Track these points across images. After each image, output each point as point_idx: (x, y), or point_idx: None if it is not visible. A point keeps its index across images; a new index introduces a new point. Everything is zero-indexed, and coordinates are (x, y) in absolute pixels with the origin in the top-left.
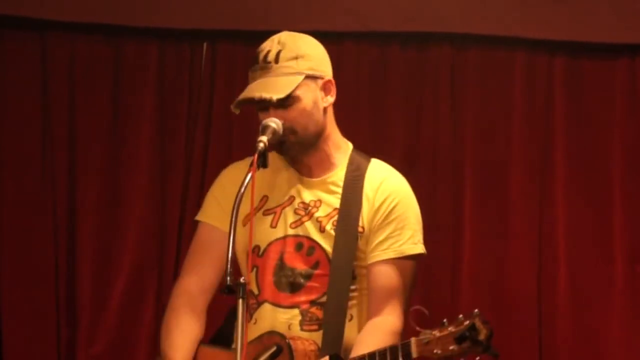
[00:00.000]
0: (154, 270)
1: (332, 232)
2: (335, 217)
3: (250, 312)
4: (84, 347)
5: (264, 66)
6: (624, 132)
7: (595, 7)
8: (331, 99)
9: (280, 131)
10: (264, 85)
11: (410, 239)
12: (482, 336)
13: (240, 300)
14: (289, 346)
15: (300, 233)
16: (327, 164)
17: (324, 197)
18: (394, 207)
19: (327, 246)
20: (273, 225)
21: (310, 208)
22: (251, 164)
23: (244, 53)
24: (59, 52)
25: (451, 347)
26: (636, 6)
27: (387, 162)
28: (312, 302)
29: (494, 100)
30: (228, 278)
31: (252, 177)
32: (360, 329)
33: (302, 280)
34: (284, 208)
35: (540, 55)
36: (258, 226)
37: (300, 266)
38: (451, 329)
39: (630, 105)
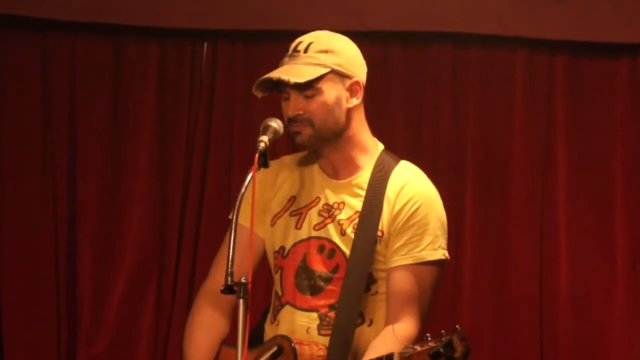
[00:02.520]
0: (155, 270)
1: (352, 236)
2: (356, 221)
3: (274, 314)
4: (84, 347)
5: (292, 55)
6: (625, 131)
7: (597, 6)
8: (356, 101)
9: (281, 131)
10: (286, 70)
11: (430, 244)
12: (457, 354)
13: (242, 300)
14: (294, 350)
15: (323, 235)
16: (352, 166)
17: (348, 199)
18: (414, 212)
19: (347, 249)
20: (298, 227)
21: (333, 210)
22: (259, 165)
23: (245, 53)
24: (60, 51)
25: None
26: (637, 5)
27: None
28: (331, 307)
29: (495, 99)
30: (228, 278)
31: (252, 177)
32: (378, 333)
33: (322, 284)
34: (309, 209)
35: (542, 55)
36: (284, 227)
37: (321, 269)
38: (431, 344)
39: (632, 104)
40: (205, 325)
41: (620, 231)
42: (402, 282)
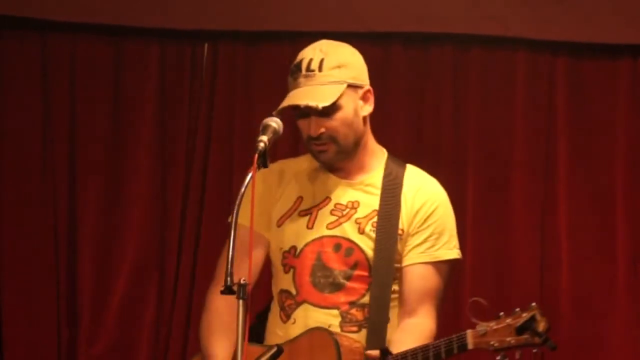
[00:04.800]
0: (155, 270)
1: (372, 234)
2: (375, 219)
3: (287, 313)
4: (84, 347)
5: (307, 74)
6: (626, 132)
7: (598, 7)
8: (369, 108)
9: (281, 131)
10: (309, 93)
11: (446, 244)
12: (541, 328)
13: (241, 301)
14: (336, 342)
15: (338, 234)
16: (363, 169)
17: (362, 198)
18: (433, 212)
19: (366, 247)
20: (309, 226)
21: (347, 209)
22: (258, 165)
23: (245, 54)
24: (60, 52)
25: (509, 339)
26: (638, 6)
27: None
28: (352, 304)
29: (496, 100)
30: (228, 279)
31: (252, 177)
32: (394, 330)
33: (342, 281)
34: (320, 209)
35: (543, 56)
36: (294, 227)
37: (339, 267)
38: (509, 321)
39: (633, 105)
40: (224, 325)
41: (621, 231)
42: (420, 279)
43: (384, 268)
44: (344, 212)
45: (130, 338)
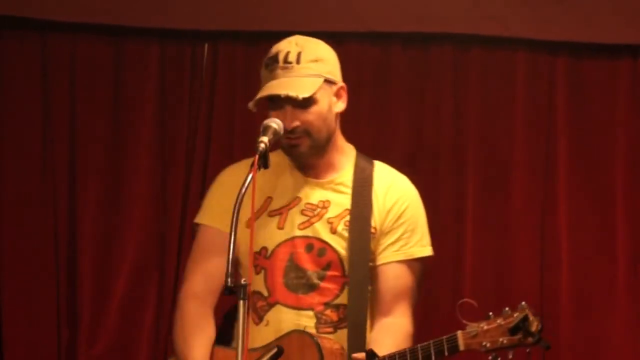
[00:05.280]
0: (155, 271)
1: (345, 233)
2: (347, 218)
3: (259, 314)
4: (84, 348)
5: (285, 66)
6: (626, 132)
7: (598, 7)
8: (342, 105)
9: (281, 132)
10: (288, 84)
11: (419, 241)
12: (534, 328)
13: (242, 302)
14: (317, 344)
15: (310, 234)
16: (332, 167)
17: (333, 197)
18: (404, 210)
19: (339, 247)
20: (280, 227)
21: (319, 209)
22: (252, 165)
23: (245, 54)
24: (60, 52)
25: (501, 339)
26: (638, 6)
27: (389, 163)
28: (327, 304)
29: (496, 100)
30: (229, 279)
31: (253, 178)
32: (370, 329)
33: (316, 281)
34: (290, 209)
35: (543, 56)
36: (264, 227)
37: (312, 267)
38: (500, 321)
39: (633, 105)
40: (198, 328)
41: (621, 231)
42: (395, 277)
43: (359, 268)
44: (315, 212)
45: (130, 338)
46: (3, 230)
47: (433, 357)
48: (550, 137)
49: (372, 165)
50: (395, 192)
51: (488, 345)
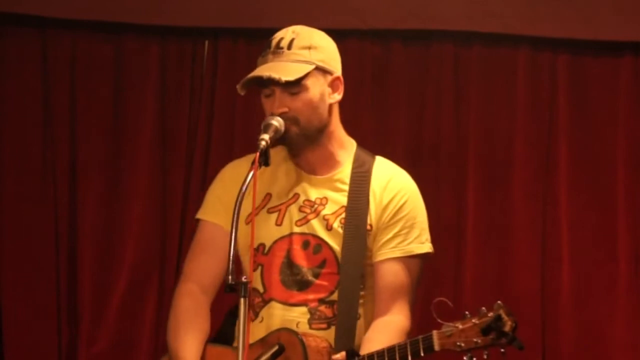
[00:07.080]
0: (156, 269)
1: (340, 230)
2: (343, 215)
3: (255, 311)
4: (84, 347)
5: (275, 51)
6: (627, 129)
7: (599, 4)
8: (338, 96)
9: (282, 129)
10: (274, 67)
11: (417, 237)
12: (507, 328)
13: (242, 299)
14: (302, 342)
15: (306, 231)
16: (331, 162)
17: (331, 194)
18: (402, 205)
19: (334, 244)
20: (278, 223)
21: (316, 206)
22: (253, 162)
23: (246, 51)
24: (60, 49)
25: (475, 339)
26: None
27: (390, 160)
28: (321, 301)
29: (497, 97)
30: (230, 277)
31: (254, 175)
32: (367, 327)
33: (311, 278)
34: (288, 206)
35: (544, 53)
36: (262, 224)
37: (308, 264)
38: (475, 320)
39: (634, 103)
40: (191, 326)
41: (622, 229)
42: (392, 274)
43: (351, 265)
44: (313, 209)
45: (131, 336)
46: (3, 229)
47: (409, 357)
48: (551, 134)
49: (372, 159)
50: (393, 186)
51: (462, 345)
